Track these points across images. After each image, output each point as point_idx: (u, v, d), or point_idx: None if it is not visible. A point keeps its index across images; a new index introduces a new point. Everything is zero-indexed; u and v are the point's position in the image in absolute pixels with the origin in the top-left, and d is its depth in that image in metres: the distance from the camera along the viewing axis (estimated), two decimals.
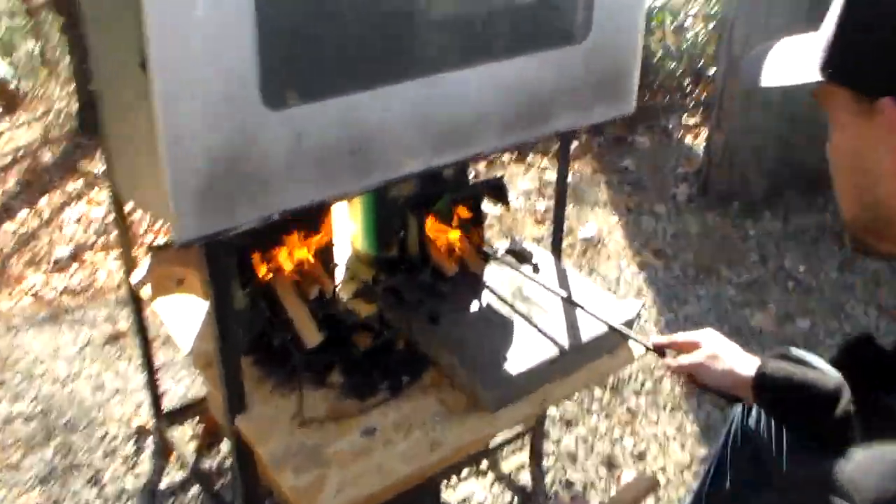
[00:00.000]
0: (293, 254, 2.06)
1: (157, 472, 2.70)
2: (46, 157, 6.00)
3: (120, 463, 2.74)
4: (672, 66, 6.46)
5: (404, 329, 2.06)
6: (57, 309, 3.78)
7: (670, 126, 5.96)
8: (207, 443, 2.77)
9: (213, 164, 1.49)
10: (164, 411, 2.71)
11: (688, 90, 6.47)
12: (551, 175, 5.03)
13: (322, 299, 2.04)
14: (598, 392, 3.17)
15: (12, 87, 8.19)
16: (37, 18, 8.85)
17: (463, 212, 2.28)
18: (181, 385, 3.11)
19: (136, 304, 2.42)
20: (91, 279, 4.24)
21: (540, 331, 2.05)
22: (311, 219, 2.03)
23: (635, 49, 2.12)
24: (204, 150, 1.47)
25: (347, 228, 2.46)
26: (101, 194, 5.06)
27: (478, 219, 2.32)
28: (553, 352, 1.97)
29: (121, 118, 1.80)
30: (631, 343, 2.09)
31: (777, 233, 4.25)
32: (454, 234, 2.29)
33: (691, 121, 6.02)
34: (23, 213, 5.13)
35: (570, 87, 1.99)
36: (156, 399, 2.68)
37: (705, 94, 6.38)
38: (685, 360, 1.70)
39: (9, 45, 9.30)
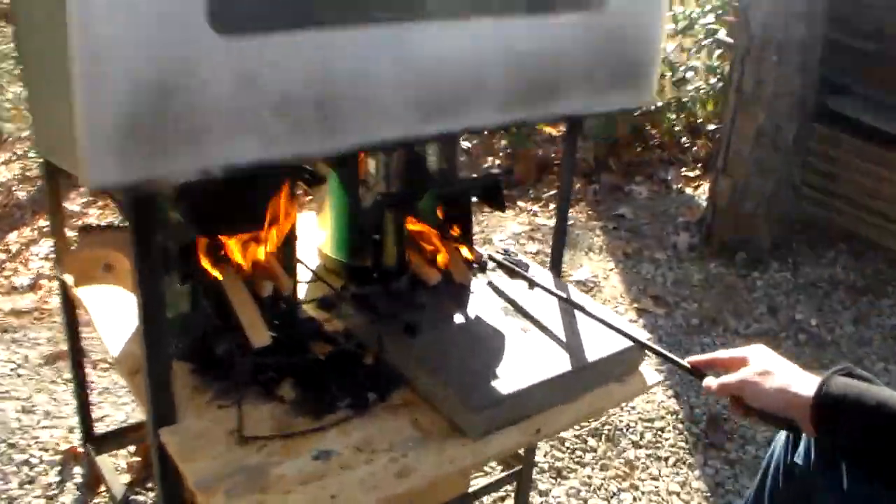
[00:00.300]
0: (247, 248, 1.73)
1: None
2: (21, 194, 5.86)
3: (38, 494, 2.36)
4: (671, 120, 6.24)
5: (373, 342, 1.72)
6: None
7: (669, 178, 5.71)
8: (142, 476, 2.40)
9: (139, 93, 1.17)
10: (96, 434, 2.34)
11: (686, 146, 6.25)
12: (542, 220, 4.76)
13: (277, 299, 1.71)
14: (592, 441, 2.83)
15: None
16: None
17: (449, 214, 1.97)
18: (121, 412, 2.74)
19: (68, 302, 2.08)
20: (42, 303, 3.89)
21: (536, 348, 1.72)
22: (268, 204, 1.71)
23: (657, 31, 1.83)
24: (127, 75, 1.16)
25: (315, 234, 2.15)
26: (73, 231, 4.77)
27: (466, 224, 2.00)
28: (551, 372, 1.65)
29: (37, 50, 1.48)
30: (647, 367, 1.77)
31: (786, 284, 3.96)
32: (438, 241, 1.97)
33: (691, 174, 5.77)
34: None
35: (583, 62, 1.69)
36: (86, 420, 2.32)
37: (705, 150, 6.16)
38: (730, 378, 1.39)
39: None
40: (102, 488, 2.37)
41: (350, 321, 1.83)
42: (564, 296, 1.84)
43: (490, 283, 1.97)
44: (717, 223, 4.32)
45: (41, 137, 1.58)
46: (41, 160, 4.56)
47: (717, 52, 6.26)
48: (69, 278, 1.71)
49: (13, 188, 6.10)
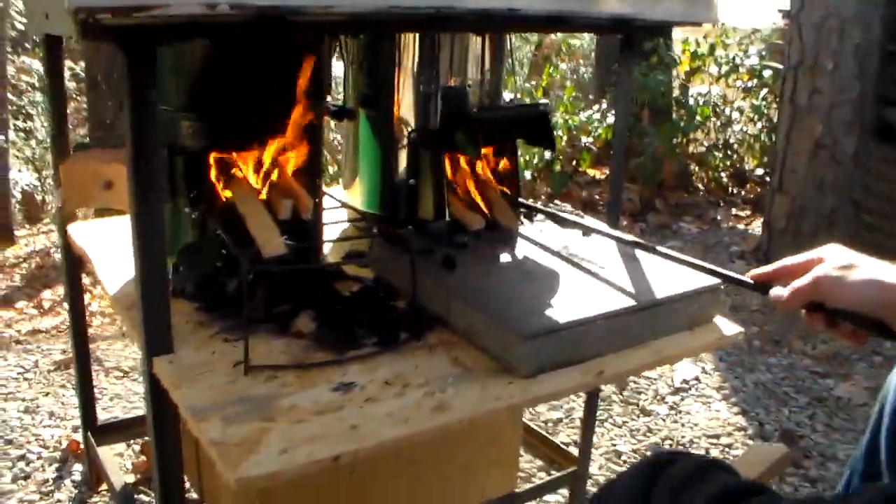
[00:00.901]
0: (262, 168, 1.52)
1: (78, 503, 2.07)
2: (58, 256, 5.97)
3: (32, 490, 2.11)
4: (717, 161, 6.02)
5: (405, 282, 1.47)
6: (8, 340, 3.22)
7: (718, 217, 5.46)
8: (148, 476, 2.15)
9: None
10: (99, 425, 2.10)
11: (733, 190, 6.02)
12: None
13: (297, 223, 1.48)
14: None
15: (38, 198, 8.57)
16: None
17: (491, 150, 1.74)
18: (130, 416, 2.50)
19: (70, 261, 1.88)
20: (60, 324, 3.71)
21: (596, 286, 1.48)
22: (288, 115, 1.50)
23: None
24: None
25: (344, 185, 1.93)
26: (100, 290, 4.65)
27: (511, 161, 1.76)
28: (615, 305, 1.39)
29: None
30: (724, 320, 1.51)
31: None
32: (480, 181, 1.74)
33: (741, 213, 5.52)
34: (21, 303, 4.88)
35: None
36: (87, 410, 2.09)
37: (753, 194, 5.93)
38: (804, 279, 1.13)
39: (41, 160, 9.60)
40: (103, 487, 2.11)
41: (381, 265, 1.59)
42: (625, 237, 1.58)
43: (540, 230, 1.73)
44: (774, 247, 4.04)
45: (33, 13, 1.40)
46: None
47: (763, 91, 6.08)
48: (62, 196, 1.49)
49: (51, 251, 6.22)
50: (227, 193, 1.46)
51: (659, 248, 1.49)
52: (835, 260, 1.12)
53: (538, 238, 1.69)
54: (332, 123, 1.81)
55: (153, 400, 1.30)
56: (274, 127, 1.49)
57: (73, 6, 0.98)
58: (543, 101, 5.52)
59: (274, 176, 1.49)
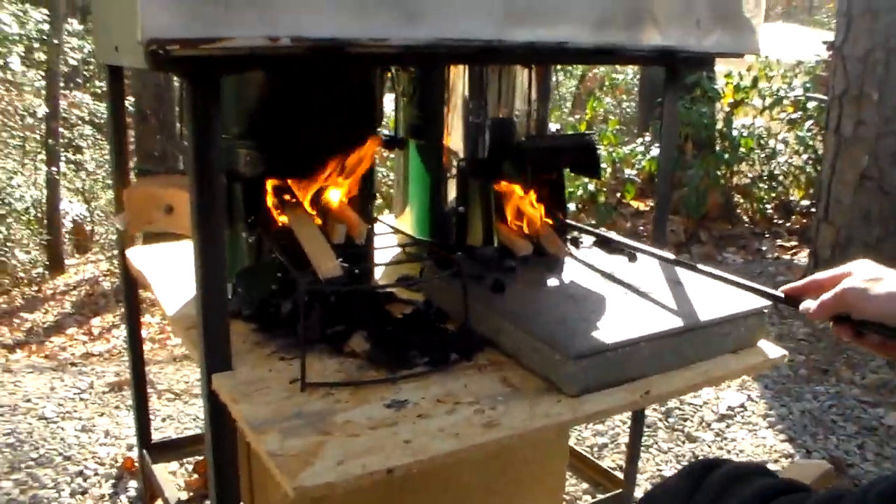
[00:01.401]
0: (317, 195, 1.58)
1: None
2: (106, 285, 6.12)
3: None
4: (762, 194, 6.01)
5: (456, 307, 1.52)
6: (64, 363, 3.31)
7: (763, 248, 5.44)
8: (201, 494, 2.20)
9: None
10: (154, 443, 2.16)
11: (777, 222, 5.99)
12: None
13: (350, 247, 1.53)
14: None
15: (87, 228, 8.86)
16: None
17: (539, 178, 1.78)
18: (183, 436, 2.56)
19: (129, 284, 1.95)
20: (113, 348, 3.81)
21: (642, 308, 1.51)
22: (347, 140, 1.55)
23: None
24: None
25: (395, 213, 1.99)
26: (154, 317, 4.75)
27: (558, 189, 1.81)
28: (661, 327, 1.42)
29: None
30: (769, 343, 1.53)
31: None
32: (527, 209, 1.78)
33: (787, 244, 5.50)
34: (72, 329, 5.01)
35: None
36: (143, 429, 2.15)
37: (799, 225, 5.90)
38: (832, 291, 1.16)
39: (90, 192, 9.91)
40: (157, 503, 2.17)
41: (431, 289, 1.63)
42: (667, 255, 1.62)
43: (586, 256, 1.76)
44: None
45: (102, 45, 1.48)
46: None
47: (808, 123, 6.07)
48: (124, 220, 1.56)
49: (100, 279, 6.34)
50: (283, 219, 1.52)
51: (698, 265, 1.52)
52: (862, 273, 1.15)
53: (585, 264, 1.72)
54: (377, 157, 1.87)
55: (212, 415, 1.35)
56: (328, 155, 1.54)
57: (145, 38, 1.04)
58: (589, 132, 5.58)
59: (328, 202, 1.54)
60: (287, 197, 1.52)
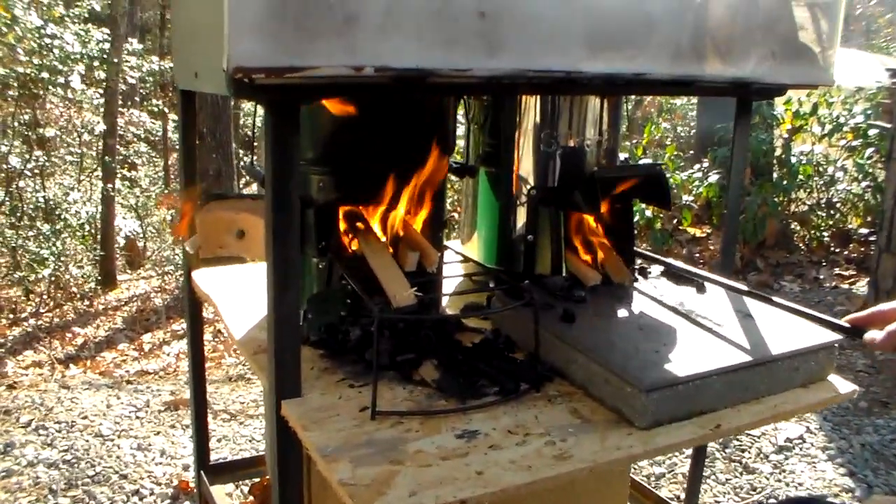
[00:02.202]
0: (388, 221, 1.58)
1: None
2: (157, 301, 6.20)
3: None
4: (819, 222, 5.92)
5: (525, 336, 1.51)
6: (120, 380, 3.35)
7: (821, 276, 5.35)
8: None
9: None
10: (211, 464, 2.17)
11: (835, 250, 5.89)
12: None
13: (423, 274, 1.53)
14: None
15: (140, 245, 9.01)
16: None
17: (609, 208, 1.77)
18: (238, 457, 2.57)
19: (193, 306, 1.96)
20: (167, 366, 3.84)
21: (711, 341, 1.48)
22: (419, 167, 1.56)
23: (838, 9, 1.64)
24: None
25: (462, 240, 1.98)
26: (206, 335, 4.82)
27: (627, 219, 1.79)
28: (731, 360, 1.40)
29: None
30: (839, 378, 1.50)
31: None
32: (596, 238, 1.77)
33: (845, 273, 5.40)
34: (123, 345, 5.08)
35: (761, 23, 1.51)
36: (201, 450, 2.16)
37: (857, 254, 5.80)
38: None
39: (144, 208, 10.08)
40: None
41: (499, 318, 1.62)
42: (738, 286, 1.59)
43: (654, 286, 1.75)
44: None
45: (181, 70, 1.49)
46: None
47: (869, 151, 5.97)
48: (195, 243, 1.58)
49: (152, 296, 6.41)
50: (355, 245, 1.52)
51: (770, 296, 1.50)
52: None
53: (653, 294, 1.70)
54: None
55: (280, 441, 1.35)
56: (400, 181, 1.54)
57: (232, 66, 1.05)
58: (659, 162, 5.57)
59: (400, 229, 1.55)
60: (359, 224, 1.52)
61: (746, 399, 1.42)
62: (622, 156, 1.87)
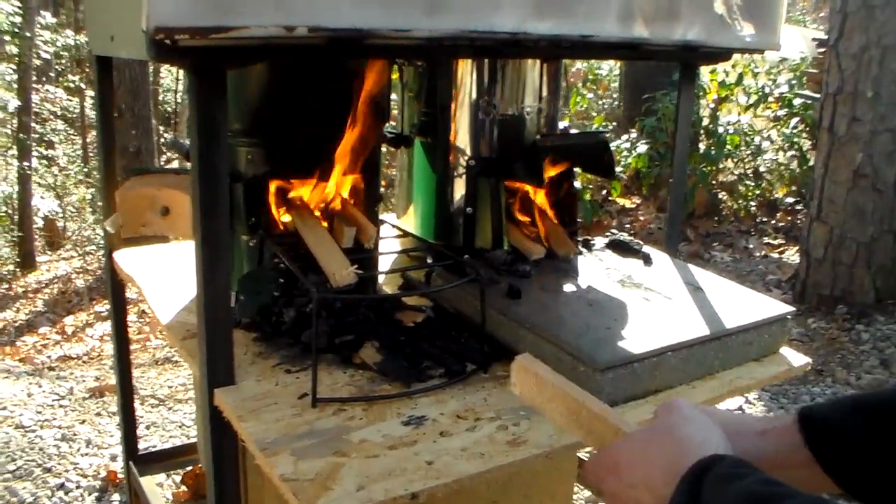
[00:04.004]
0: (321, 195, 1.49)
1: None
2: (80, 283, 5.99)
3: None
4: (747, 192, 5.98)
5: (469, 312, 1.44)
6: (41, 366, 3.19)
7: (750, 246, 5.40)
8: None
9: None
10: (140, 454, 2.06)
11: (762, 219, 5.96)
12: None
13: (360, 251, 1.45)
14: None
15: (59, 225, 8.70)
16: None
17: (550, 178, 1.70)
18: (169, 445, 2.46)
19: (116, 289, 1.85)
20: (91, 350, 3.69)
21: (664, 316, 1.43)
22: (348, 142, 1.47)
23: None
24: None
25: (398, 213, 1.90)
26: (131, 316, 4.64)
27: (570, 193, 1.73)
28: (686, 335, 1.35)
29: None
30: (791, 350, 1.47)
31: None
32: (538, 209, 1.70)
33: (774, 242, 5.46)
34: (45, 329, 4.87)
35: None
36: (129, 440, 2.05)
37: (784, 222, 5.87)
38: None
39: (62, 188, 9.75)
40: None
41: (441, 294, 1.55)
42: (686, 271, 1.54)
43: (601, 259, 1.69)
44: (812, 277, 3.98)
45: (96, 35, 1.38)
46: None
47: (794, 121, 6.04)
48: (116, 222, 1.46)
49: (73, 277, 6.22)
50: (286, 219, 1.43)
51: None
52: None
53: (600, 267, 1.65)
54: None
55: (214, 433, 1.27)
56: (334, 154, 1.46)
57: (152, 26, 0.95)
58: (602, 130, 5.54)
59: (335, 204, 1.46)
60: (292, 198, 1.43)
61: (701, 375, 1.38)
62: (562, 124, 1.80)
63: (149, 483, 2.02)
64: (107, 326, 4.51)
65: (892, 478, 0.82)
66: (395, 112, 1.83)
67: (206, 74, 1.10)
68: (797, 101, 6.01)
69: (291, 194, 1.43)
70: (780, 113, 6.22)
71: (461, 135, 1.69)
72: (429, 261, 1.69)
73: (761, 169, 6.10)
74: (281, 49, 1.13)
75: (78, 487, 2.21)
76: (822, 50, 5.87)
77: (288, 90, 1.44)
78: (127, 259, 1.85)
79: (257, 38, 1.03)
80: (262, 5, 1.00)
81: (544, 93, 1.72)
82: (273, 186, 1.44)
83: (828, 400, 1.08)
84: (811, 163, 4.79)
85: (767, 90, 6.27)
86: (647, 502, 0.79)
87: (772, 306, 1.50)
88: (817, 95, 4.80)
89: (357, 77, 1.47)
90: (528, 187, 1.67)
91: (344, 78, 1.48)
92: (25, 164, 8.28)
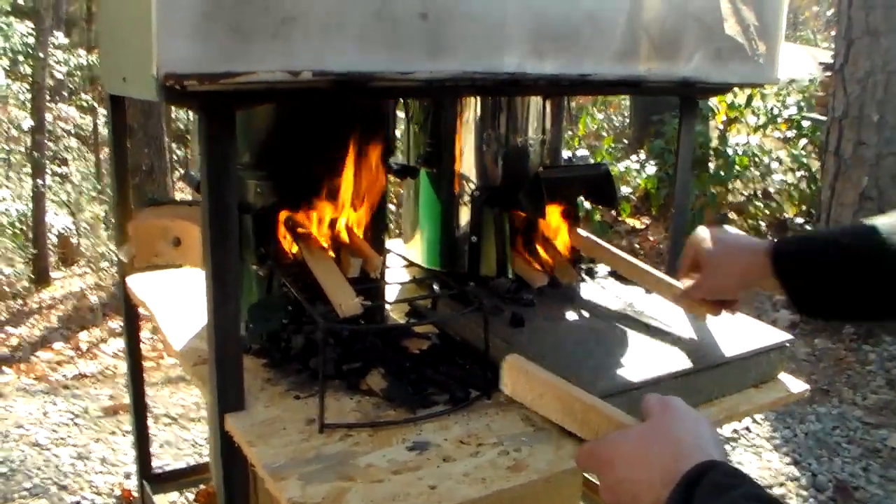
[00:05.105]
0: (329, 225, 1.53)
1: None
2: (94, 299, 6.06)
3: None
4: (756, 212, 6.00)
5: (473, 340, 1.48)
6: (56, 385, 3.24)
7: None
8: None
9: None
10: (154, 473, 2.11)
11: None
12: None
13: (366, 280, 1.49)
14: None
15: (73, 241, 8.77)
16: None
17: (556, 211, 1.75)
18: (182, 462, 2.51)
19: (129, 312, 1.90)
20: (105, 368, 3.74)
21: (663, 344, 1.48)
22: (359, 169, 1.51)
23: (781, 7, 1.63)
24: None
25: (405, 242, 1.95)
26: (144, 332, 4.70)
27: (574, 221, 1.77)
28: (684, 364, 1.39)
29: None
30: (788, 376, 1.51)
31: None
32: (541, 239, 1.75)
33: None
34: (59, 345, 4.93)
35: (708, 23, 1.50)
36: (143, 459, 2.09)
37: None
38: None
39: (76, 204, 9.84)
40: None
41: (446, 321, 1.59)
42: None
43: (603, 287, 1.73)
44: None
45: (109, 75, 1.43)
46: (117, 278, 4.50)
47: (803, 142, 6.07)
48: (129, 252, 1.51)
49: (86, 293, 6.27)
50: (294, 249, 1.48)
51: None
52: None
53: (602, 295, 1.69)
54: None
55: (224, 457, 1.31)
56: (341, 185, 1.50)
57: (162, 73, 1.00)
58: (604, 161, 5.58)
59: (342, 234, 1.50)
60: (300, 229, 1.47)
61: (699, 402, 1.42)
62: (565, 154, 1.85)
63: (162, 501, 2.07)
64: (120, 343, 4.56)
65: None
66: (401, 143, 1.88)
67: (216, 115, 1.15)
68: (805, 123, 6.04)
69: (300, 226, 1.48)
70: (789, 134, 6.25)
71: (466, 165, 1.74)
72: (435, 288, 1.73)
73: (770, 189, 6.12)
74: (288, 91, 1.18)
75: None
76: (828, 73, 5.91)
77: (295, 124, 1.49)
78: (140, 284, 1.90)
79: (264, 81, 1.08)
80: (268, 51, 1.05)
81: (547, 124, 1.76)
82: (282, 217, 1.48)
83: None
84: (821, 183, 4.81)
85: (776, 111, 6.31)
86: (644, 500, 0.84)
87: (770, 334, 1.54)
88: (824, 118, 4.83)
89: (365, 111, 1.52)
90: (532, 217, 1.71)
91: (350, 113, 1.53)
92: (39, 181, 8.37)
